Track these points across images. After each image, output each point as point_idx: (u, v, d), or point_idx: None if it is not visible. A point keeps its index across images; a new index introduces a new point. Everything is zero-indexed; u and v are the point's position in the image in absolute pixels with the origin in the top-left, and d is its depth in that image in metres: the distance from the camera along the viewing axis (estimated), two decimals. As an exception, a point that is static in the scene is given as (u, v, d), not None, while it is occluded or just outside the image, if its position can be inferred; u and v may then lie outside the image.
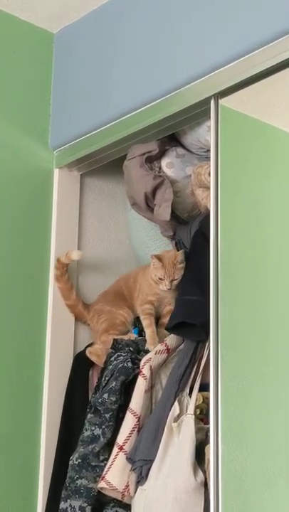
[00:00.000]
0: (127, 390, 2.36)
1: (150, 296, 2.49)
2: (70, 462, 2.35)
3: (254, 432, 2.07)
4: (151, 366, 2.32)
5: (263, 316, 2.15)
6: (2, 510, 2.46)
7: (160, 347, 2.37)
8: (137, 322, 2.58)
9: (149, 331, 2.45)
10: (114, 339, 2.49)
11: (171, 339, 2.38)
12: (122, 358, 2.42)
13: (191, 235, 2.48)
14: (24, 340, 2.59)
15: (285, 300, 2.11)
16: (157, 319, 2.52)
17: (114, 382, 2.36)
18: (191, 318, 2.28)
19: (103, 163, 2.75)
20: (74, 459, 2.35)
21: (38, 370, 2.60)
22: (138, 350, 2.45)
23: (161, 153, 2.56)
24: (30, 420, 2.56)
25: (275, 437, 2.04)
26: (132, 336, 2.52)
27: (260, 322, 2.15)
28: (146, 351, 2.41)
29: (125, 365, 2.39)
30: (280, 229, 2.17)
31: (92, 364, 2.59)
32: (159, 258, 2.42)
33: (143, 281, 2.53)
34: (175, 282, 2.41)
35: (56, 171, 2.77)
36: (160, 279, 2.41)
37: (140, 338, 2.50)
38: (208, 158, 2.43)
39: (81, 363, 2.61)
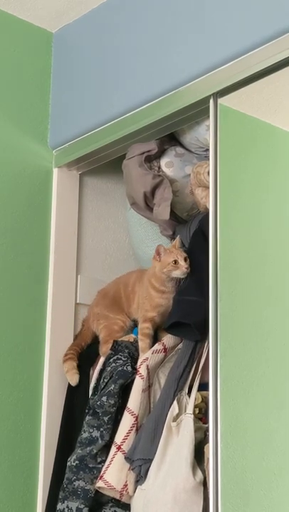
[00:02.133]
0: (125, 391, 2.36)
1: (150, 312, 2.41)
2: (68, 463, 2.35)
3: (254, 431, 2.07)
4: (148, 366, 2.32)
5: (263, 315, 2.15)
6: (2, 511, 2.45)
7: (157, 346, 2.36)
8: (136, 323, 2.56)
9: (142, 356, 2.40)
10: (114, 341, 2.48)
11: (169, 338, 2.37)
12: (121, 361, 2.41)
13: (191, 234, 2.47)
14: (24, 340, 2.59)
15: (285, 299, 2.11)
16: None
17: (112, 385, 2.36)
18: (186, 318, 2.27)
19: (102, 163, 2.75)
20: (72, 461, 2.34)
21: (38, 370, 2.60)
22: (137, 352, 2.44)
23: (161, 153, 2.56)
24: (30, 420, 2.55)
25: (274, 437, 2.04)
26: (132, 337, 2.51)
27: (260, 321, 2.15)
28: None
29: (124, 368, 2.38)
30: (280, 228, 2.17)
31: (92, 363, 2.59)
32: (163, 247, 2.38)
33: (141, 295, 2.46)
34: (188, 262, 2.34)
35: (55, 171, 2.76)
36: (175, 262, 2.33)
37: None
38: (207, 158, 2.43)
39: (82, 363, 2.61)
